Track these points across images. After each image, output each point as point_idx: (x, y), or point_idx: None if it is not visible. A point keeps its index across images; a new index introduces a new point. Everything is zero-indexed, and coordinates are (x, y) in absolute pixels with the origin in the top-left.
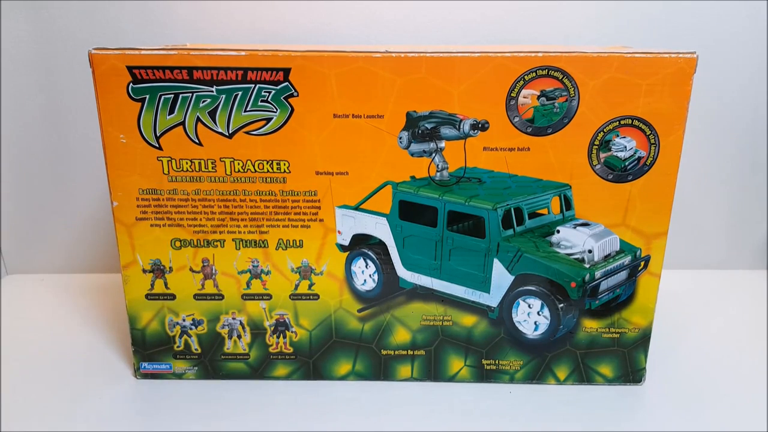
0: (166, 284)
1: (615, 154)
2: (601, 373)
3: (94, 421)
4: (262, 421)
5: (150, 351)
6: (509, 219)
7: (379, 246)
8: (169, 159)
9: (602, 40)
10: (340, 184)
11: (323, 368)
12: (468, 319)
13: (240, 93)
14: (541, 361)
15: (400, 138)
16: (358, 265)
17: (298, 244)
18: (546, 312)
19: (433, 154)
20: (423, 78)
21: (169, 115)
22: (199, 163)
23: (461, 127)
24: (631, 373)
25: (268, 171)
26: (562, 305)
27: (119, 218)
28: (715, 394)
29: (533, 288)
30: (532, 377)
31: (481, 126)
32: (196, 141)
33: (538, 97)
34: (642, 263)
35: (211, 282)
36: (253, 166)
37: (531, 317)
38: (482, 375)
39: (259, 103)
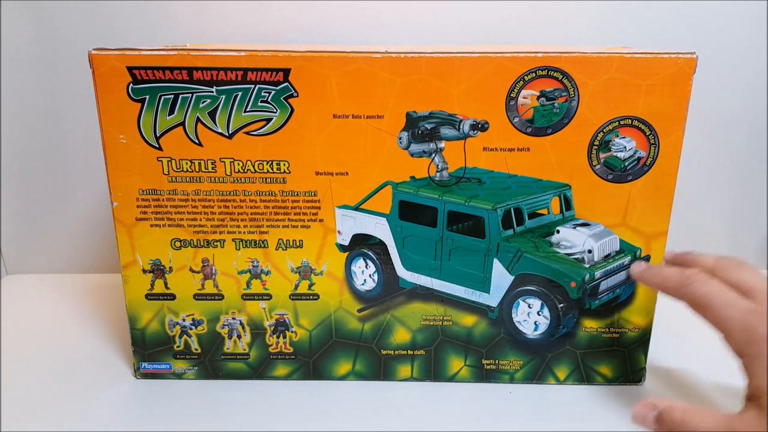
0: (166, 284)
1: (615, 154)
2: (601, 373)
3: (94, 421)
4: (262, 421)
5: (150, 351)
6: (509, 219)
7: (379, 246)
8: (169, 159)
9: (602, 40)
10: (340, 184)
11: (323, 368)
12: (468, 319)
13: (240, 93)
14: (541, 361)
15: (400, 138)
16: (358, 265)
17: (298, 244)
18: (546, 312)
19: (433, 155)
20: (423, 78)
21: (169, 115)
22: (199, 164)
23: (461, 127)
24: (631, 373)
25: (268, 171)
26: (562, 305)
27: (119, 218)
28: (715, 394)
29: (533, 288)
30: (532, 377)
31: (480, 126)
32: (196, 141)
33: (538, 98)
34: None
35: (211, 282)
36: (253, 166)
37: (531, 317)
38: (482, 375)
39: (259, 104)
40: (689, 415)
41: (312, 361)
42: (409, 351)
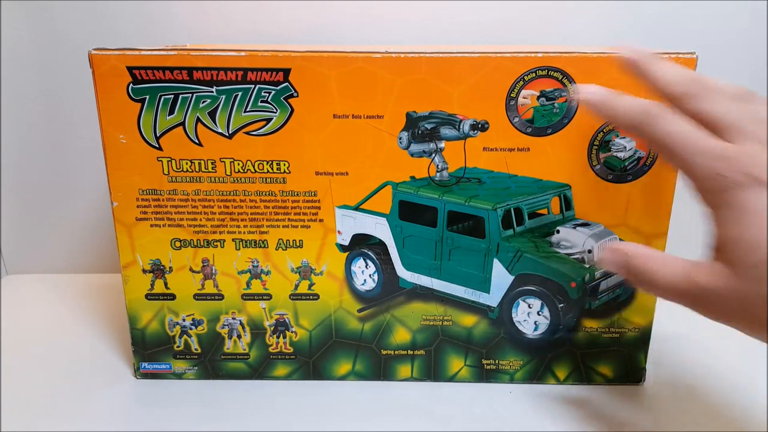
0: (166, 284)
1: (615, 154)
2: (601, 373)
3: (94, 421)
4: (262, 421)
5: (150, 351)
6: (509, 219)
7: (379, 246)
8: (169, 159)
9: (602, 40)
10: (340, 184)
11: (323, 368)
12: (468, 319)
13: (240, 93)
14: (541, 361)
15: (400, 138)
16: (358, 265)
17: (298, 244)
18: (546, 312)
19: (433, 155)
20: (423, 78)
21: (169, 115)
22: (199, 164)
23: (461, 127)
24: (631, 373)
25: (268, 171)
26: (562, 305)
27: (119, 218)
28: (715, 394)
29: (533, 288)
30: (532, 377)
31: (480, 126)
32: (196, 141)
33: (538, 98)
34: None
35: (211, 282)
36: (253, 166)
37: (531, 317)
38: (482, 375)
39: (259, 104)
40: (651, 262)
41: (312, 361)
42: (409, 351)
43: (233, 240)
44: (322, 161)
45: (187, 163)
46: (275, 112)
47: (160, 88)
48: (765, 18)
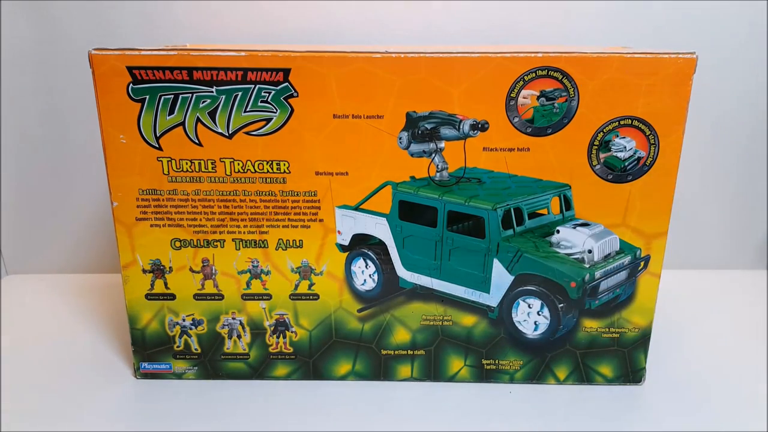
0: (166, 284)
1: (615, 154)
2: (601, 373)
3: (94, 421)
4: (262, 421)
5: (150, 351)
6: (509, 219)
7: (379, 246)
8: (169, 159)
9: (602, 40)
10: (340, 184)
11: (323, 368)
12: (468, 319)
13: (240, 93)
14: (541, 361)
15: (400, 138)
16: (358, 265)
17: (298, 244)
18: (546, 312)
19: (433, 155)
20: (423, 78)
21: (169, 115)
22: (199, 164)
23: (461, 127)
24: (631, 373)
25: (268, 171)
26: (562, 305)
27: (119, 218)
28: (715, 394)
29: (533, 288)
30: (532, 377)
31: (480, 126)
32: (196, 141)
33: (538, 98)
34: (642, 263)
35: (211, 282)
36: (253, 166)
37: (531, 317)
38: (482, 375)
39: (259, 104)
40: None
41: (312, 361)
42: (409, 351)
43: (233, 240)
44: (322, 161)
45: (187, 163)
46: (275, 112)
47: (160, 88)
48: (765, 18)
